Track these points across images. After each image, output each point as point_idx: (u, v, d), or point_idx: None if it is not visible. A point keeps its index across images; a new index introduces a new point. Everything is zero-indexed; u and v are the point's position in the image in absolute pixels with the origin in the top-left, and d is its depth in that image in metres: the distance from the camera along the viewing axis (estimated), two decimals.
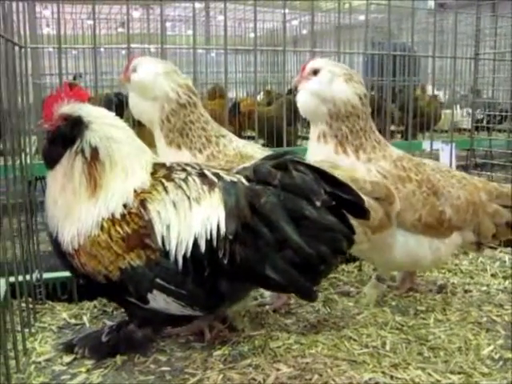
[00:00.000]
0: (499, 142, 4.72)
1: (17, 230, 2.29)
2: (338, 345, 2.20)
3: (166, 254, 1.82)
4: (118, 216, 1.86)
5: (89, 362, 2.04)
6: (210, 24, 9.89)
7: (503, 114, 6.18)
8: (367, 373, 1.97)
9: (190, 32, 9.51)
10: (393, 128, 6.93)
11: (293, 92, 3.02)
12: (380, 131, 2.59)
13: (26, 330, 2.23)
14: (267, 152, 2.41)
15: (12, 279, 2.05)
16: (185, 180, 1.92)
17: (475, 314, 2.53)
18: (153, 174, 1.97)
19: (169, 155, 2.37)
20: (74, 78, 7.54)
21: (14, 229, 2.11)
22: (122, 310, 2.27)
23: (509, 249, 3.45)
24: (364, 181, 2.26)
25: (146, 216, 1.86)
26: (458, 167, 3.73)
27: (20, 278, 2.15)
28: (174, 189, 1.90)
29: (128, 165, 1.95)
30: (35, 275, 2.60)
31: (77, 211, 1.90)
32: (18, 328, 2.11)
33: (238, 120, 6.79)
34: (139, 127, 2.70)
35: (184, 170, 1.98)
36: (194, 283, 1.83)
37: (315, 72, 2.44)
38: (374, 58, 7.03)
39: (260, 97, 8.69)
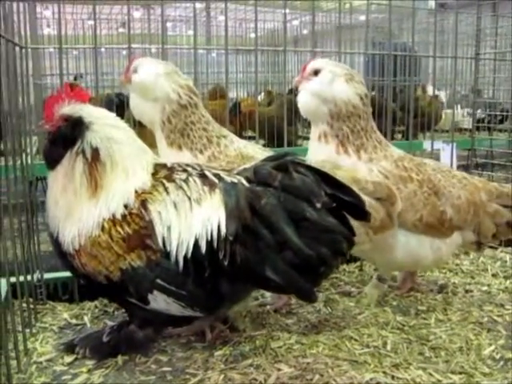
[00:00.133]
0: (500, 142, 4.72)
1: (18, 230, 2.29)
2: (339, 345, 2.20)
3: (167, 254, 1.82)
4: (118, 216, 1.87)
5: (90, 362, 2.04)
6: (211, 24, 9.89)
7: (504, 113, 6.18)
8: (368, 373, 1.97)
9: (191, 32, 9.52)
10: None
11: (293, 92, 3.02)
12: (381, 131, 2.59)
13: (27, 331, 2.23)
14: (268, 153, 2.41)
15: (13, 279, 2.05)
16: (186, 181, 1.92)
17: (476, 313, 2.53)
18: (154, 174, 1.97)
19: (170, 156, 2.37)
20: (75, 79, 7.56)
21: (14, 229, 2.11)
22: (123, 310, 2.27)
23: (510, 248, 3.45)
24: (366, 181, 2.27)
25: (146, 216, 1.86)
26: (459, 167, 3.73)
27: (21, 278, 2.15)
28: (175, 189, 1.90)
29: (129, 165, 1.95)
30: (36, 275, 2.60)
31: (78, 212, 1.90)
32: (19, 328, 2.11)
33: (238, 120, 6.79)
34: (140, 128, 2.70)
35: (185, 170, 1.98)
36: (194, 284, 1.83)
37: (316, 72, 2.44)
38: (374, 58, 7.03)
39: (261, 97, 8.69)
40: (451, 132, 3.85)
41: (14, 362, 1.95)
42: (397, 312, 2.55)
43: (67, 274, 2.19)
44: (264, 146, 5.38)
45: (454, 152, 3.52)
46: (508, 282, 2.96)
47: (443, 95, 8.58)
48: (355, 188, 2.09)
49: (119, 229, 1.85)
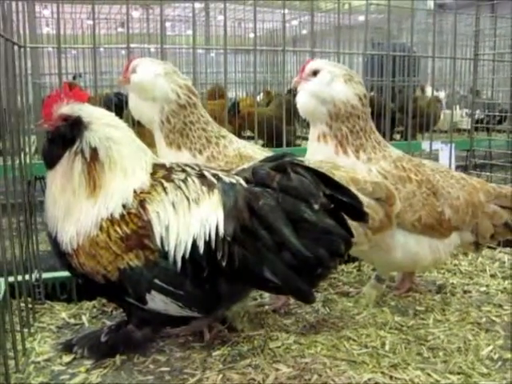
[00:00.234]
0: (498, 143, 4.72)
1: (16, 229, 2.29)
2: (337, 345, 2.20)
3: (165, 254, 1.82)
4: (117, 216, 1.86)
5: (88, 362, 2.04)
6: (210, 24, 9.90)
7: (503, 114, 6.19)
8: (366, 373, 1.97)
9: (190, 32, 9.52)
10: None
11: (292, 92, 3.02)
12: (379, 131, 2.60)
13: (26, 330, 2.23)
14: (267, 153, 2.41)
15: (11, 279, 2.05)
16: (184, 181, 1.92)
17: (474, 314, 2.53)
18: (152, 174, 1.97)
19: (169, 156, 2.37)
20: (74, 78, 7.56)
21: (13, 228, 2.11)
22: (121, 310, 2.27)
23: (508, 249, 3.45)
24: (365, 181, 2.27)
25: (145, 216, 1.86)
26: (458, 167, 3.73)
27: (19, 277, 2.15)
28: (174, 189, 1.90)
29: (127, 165, 1.95)
30: (34, 275, 2.60)
31: (76, 211, 1.90)
32: (18, 328, 2.11)
33: (237, 120, 6.79)
34: (139, 127, 2.70)
35: (183, 170, 1.98)
36: (192, 284, 1.84)
37: (315, 73, 2.44)
38: (373, 59, 7.03)
39: (260, 97, 8.70)
40: (450, 132, 3.86)
41: (12, 362, 1.95)
42: (395, 312, 2.55)
43: (66, 273, 2.19)
44: (263, 146, 5.38)
45: (453, 152, 3.52)
46: (506, 282, 2.96)
47: (443, 96, 8.59)
48: (354, 188, 2.10)
49: (117, 228, 1.85)
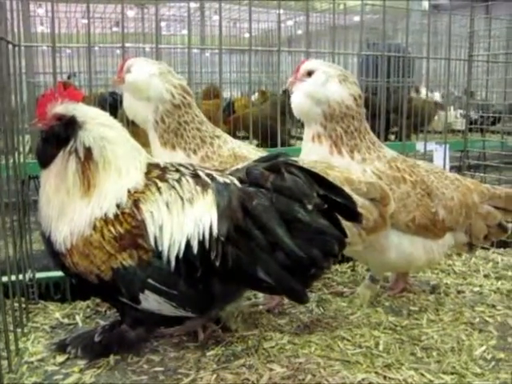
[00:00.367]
0: (492, 144, 4.73)
1: (10, 229, 2.28)
2: (331, 345, 2.20)
3: (159, 254, 1.82)
4: (110, 216, 1.86)
5: (82, 362, 2.04)
6: (205, 24, 9.87)
7: (496, 115, 6.21)
8: (360, 373, 1.98)
9: (185, 32, 9.50)
10: None
11: (287, 93, 3.02)
12: (374, 131, 2.60)
13: (19, 330, 2.22)
14: (261, 153, 2.41)
15: (5, 279, 2.04)
16: (178, 181, 1.92)
17: (468, 314, 2.54)
18: (147, 174, 1.97)
19: (163, 156, 2.37)
20: (69, 77, 7.53)
21: (6, 228, 2.10)
22: (115, 309, 2.26)
23: (501, 250, 3.47)
24: (359, 181, 2.27)
25: (138, 216, 1.85)
26: (452, 168, 3.74)
27: (13, 277, 2.14)
28: (168, 189, 1.90)
29: (122, 165, 1.94)
30: (28, 275, 2.59)
31: (70, 211, 1.90)
32: (11, 328, 2.10)
33: (231, 120, 6.78)
34: (133, 127, 2.69)
35: (178, 170, 1.98)
36: (186, 284, 1.84)
37: (309, 73, 2.45)
38: (368, 59, 7.03)
39: (255, 97, 8.69)
40: (444, 133, 3.86)
41: (5, 362, 1.95)
42: (389, 312, 2.56)
43: (59, 273, 2.17)
44: (257, 146, 5.38)
45: (447, 153, 3.53)
46: (500, 282, 2.97)
47: (438, 96, 8.60)
48: (348, 188, 2.10)
49: (111, 228, 1.85)
